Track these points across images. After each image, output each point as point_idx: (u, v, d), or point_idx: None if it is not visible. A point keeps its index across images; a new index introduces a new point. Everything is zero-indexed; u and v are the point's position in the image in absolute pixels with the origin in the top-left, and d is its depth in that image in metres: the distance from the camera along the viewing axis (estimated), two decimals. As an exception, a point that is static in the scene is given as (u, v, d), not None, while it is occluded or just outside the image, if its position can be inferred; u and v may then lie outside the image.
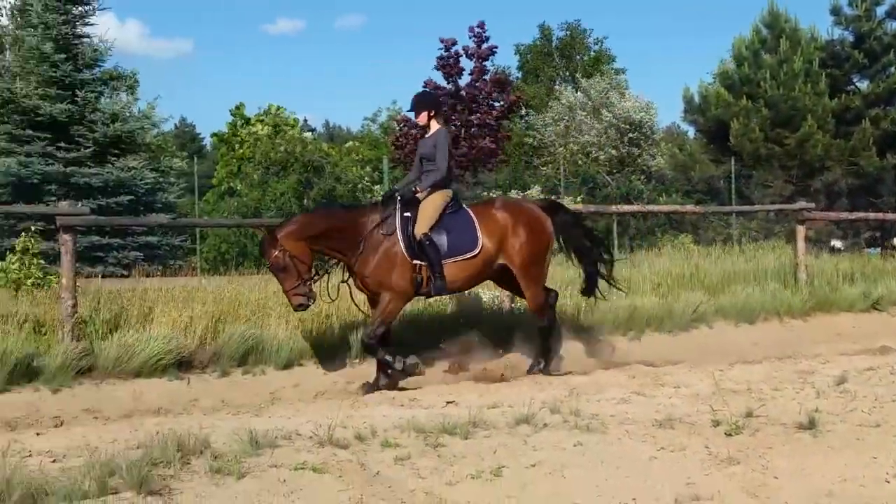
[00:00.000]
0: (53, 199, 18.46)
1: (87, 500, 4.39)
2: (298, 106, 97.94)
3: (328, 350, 8.96)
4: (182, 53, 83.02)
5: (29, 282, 11.52)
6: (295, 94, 78.89)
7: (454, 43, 31.79)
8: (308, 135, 32.51)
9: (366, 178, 25.40)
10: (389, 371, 8.02)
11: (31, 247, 11.84)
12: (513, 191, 22.79)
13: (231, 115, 41.49)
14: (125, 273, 17.46)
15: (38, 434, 6.41)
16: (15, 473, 4.53)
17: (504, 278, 8.67)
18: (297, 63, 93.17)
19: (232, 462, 4.93)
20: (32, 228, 12.34)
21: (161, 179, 21.82)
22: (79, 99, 19.27)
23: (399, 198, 8.11)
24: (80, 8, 19.70)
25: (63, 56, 19.20)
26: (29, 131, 19.27)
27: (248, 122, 39.57)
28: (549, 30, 47.55)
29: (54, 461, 5.36)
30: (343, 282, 8.16)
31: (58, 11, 19.31)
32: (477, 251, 8.13)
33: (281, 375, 8.59)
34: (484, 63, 32.00)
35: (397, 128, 33.38)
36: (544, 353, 8.66)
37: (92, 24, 20.12)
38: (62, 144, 19.25)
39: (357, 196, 24.32)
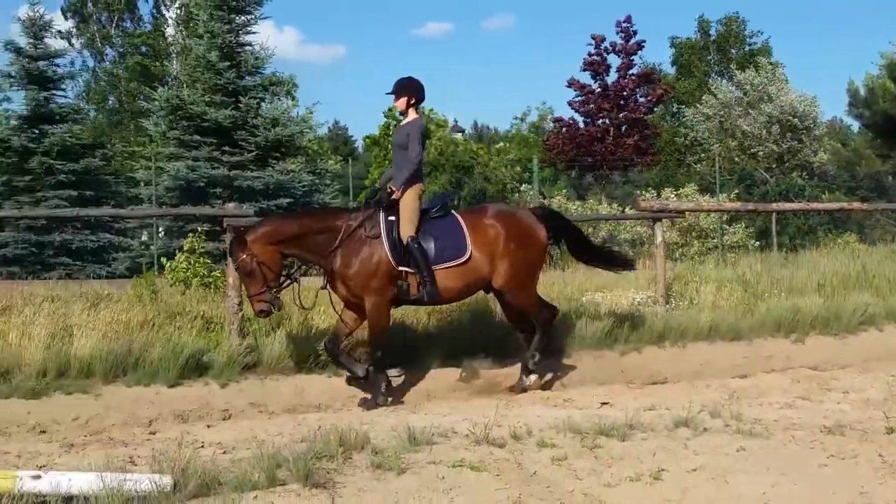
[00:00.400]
0: (219, 201, 19.26)
1: (257, 490, 4.58)
2: (447, 107, 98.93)
3: (476, 351, 8.98)
4: (335, 58, 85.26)
5: (196, 280, 12.08)
6: (444, 95, 79.76)
7: (603, 39, 31.49)
8: (458, 136, 32.80)
9: (515, 179, 25.40)
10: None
11: (197, 247, 12.41)
12: (665, 189, 22.26)
13: (384, 117, 42.35)
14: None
15: (208, 426, 6.74)
16: (190, 463, 4.77)
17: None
18: (446, 65, 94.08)
19: (392, 458, 5.04)
20: (199, 229, 12.89)
21: (317, 181, 22.43)
22: (242, 105, 20.04)
23: (381, 201, 7.72)
24: (242, 17, 20.46)
25: (227, 64, 20.00)
26: (196, 137, 20.18)
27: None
28: (708, 23, 46.34)
29: (225, 452, 5.63)
30: (322, 288, 7.85)
31: (222, 21, 20.13)
32: (465, 258, 7.72)
33: (435, 373, 8.67)
34: (631, 58, 31.59)
35: (549, 128, 33.33)
36: (539, 348, 8.17)
37: (254, 33, 20.86)
38: (226, 149, 20.07)
39: (506, 196, 24.33)
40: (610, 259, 9.18)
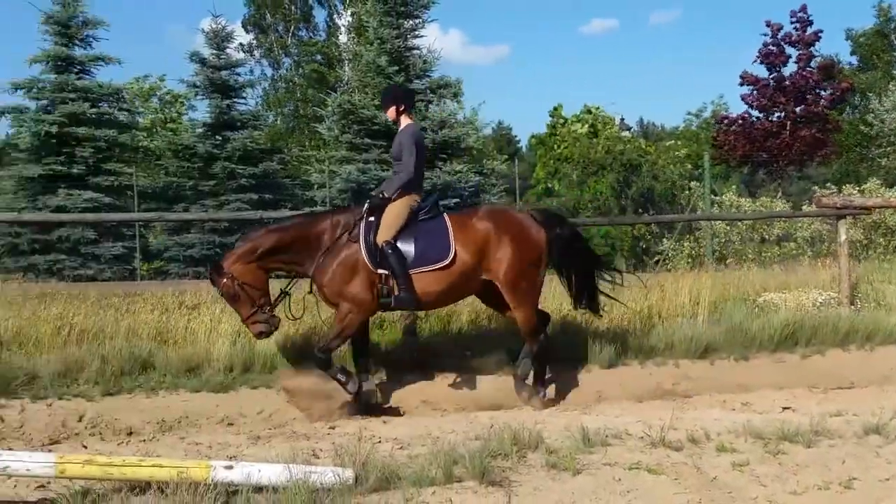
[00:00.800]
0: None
1: (435, 486, 4.67)
2: (616, 105, 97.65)
3: (647, 351, 8.85)
4: (499, 59, 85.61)
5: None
6: (609, 92, 78.46)
7: (780, 28, 30.23)
8: (626, 133, 32.33)
9: (684, 176, 24.78)
10: (351, 392, 7.29)
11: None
12: (846, 185, 21.16)
13: (549, 116, 42.28)
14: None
15: (384, 422, 6.91)
16: (369, 458, 4.91)
17: (489, 295, 7.79)
18: (611, 62, 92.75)
19: (566, 458, 5.02)
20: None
21: (484, 182, 22.62)
22: (410, 108, 20.53)
23: (367, 202, 7.47)
24: (410, 22, 20.89)
25: (396, 68, 20.47)
26: (367, 140, 20.76)
27: (565, 122, 40.11)
28: (888, 10, 43.79)
29: (401, 448, 5.76)
30: (309, 293, 7.59)
31: (391, 27, 20.63)
32: (448, 261, 7.32)
33: (606, 374, 8.59)
34: (810, 49, 30.16)
35: (717, 126, 32.30)
36: (540, 377, 7.80)
37: (421, 37, 21.25)
38: (395, 151, 20.62)
39: (674, 195, 23.76)
40: (594, 300, 8.11)
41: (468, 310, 9.21)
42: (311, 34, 42.14)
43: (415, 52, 21.12)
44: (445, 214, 7.57)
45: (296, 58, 41.43)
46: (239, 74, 23.70)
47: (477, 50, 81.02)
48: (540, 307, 7.99)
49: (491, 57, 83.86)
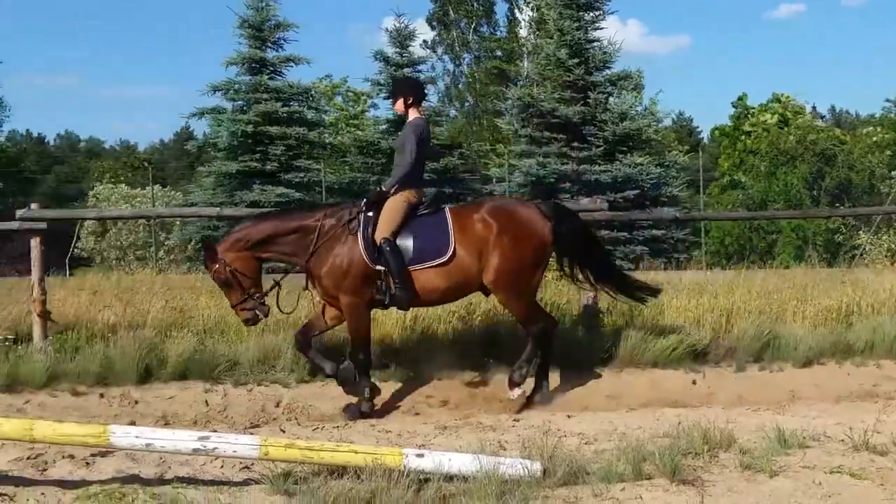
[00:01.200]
0: (567, 195, 19.66)
1: (624, 482, 4.62)
2: (808, 94, 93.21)
3: (844, 350, 8.43)
4: (678, 49, 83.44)
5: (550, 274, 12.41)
6: (797, 80, 75.06)
7: None
8: (819, 122, 30.82)
9: (883, 165, 23.37)
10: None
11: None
12: None
13: (733, 106, 40.89)
14: (632, 266, 18.03)
15: (568, 416, 6.89)
16: (556, 451, 4.91)
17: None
18: (799, 48, 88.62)
19: (762, 459, 4.87)
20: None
21: (664, 174, 22.18)
22: (590, 100, 20.34)
23: (366, 197, 7.32)
24: (591, 14, 20.79)
25: (576, 61, 20.40)
26: (546, 133, 20.79)
27: (749, 112, 38.70)
28: None
29: (586, 443, 5.73)
30: (304, 289, 7.47)
31: (572, 19, 20.58)
32: (446, 257, 7.10)
33: (800, 373, 8.24)
34: None
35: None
36: (543, 376, 7.48)
37: (601, 28, 21.10)
38: (575, 144, 20.47)
39: (873, 185, 22.47)
40: (627, 285, 7.81)
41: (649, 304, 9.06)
42: (491, 30, 42.47)
43: (595, 44, 20.96)
44: (447, 209, 7.41)
45: (476, 53, 41.86)
46: (420, 72, 24.22)
47: (656, 41, 79.41)
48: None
49: (670, 47, 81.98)
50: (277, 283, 7.33)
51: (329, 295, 7.25)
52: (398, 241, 7.08)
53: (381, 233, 7.07)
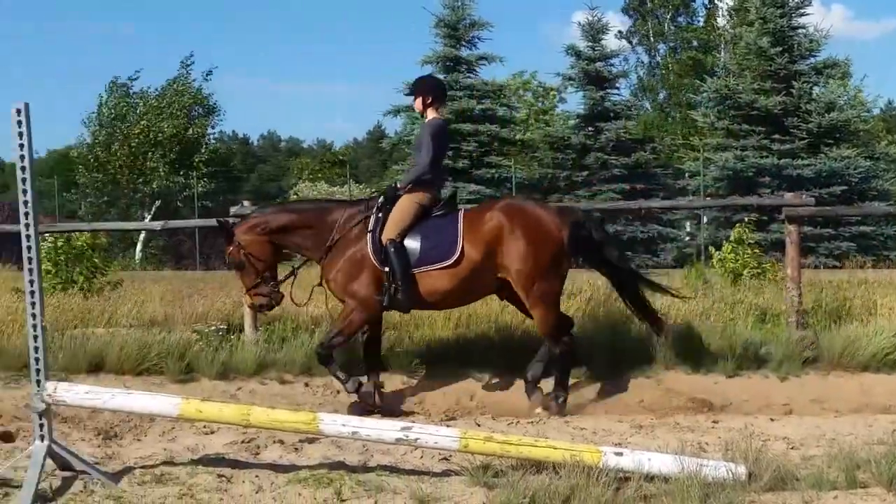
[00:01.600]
0: (766, 190, 18.93)
1: (835, 490, 4.42)
2: None
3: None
4: (885, 33, 78.30)
5: (745, 271, 12.01)
6: None
7: None
8: None
9: None
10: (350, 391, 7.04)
11: (745, 237, 12.36)
12: None
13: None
14: (837, 264, 17.15)
15: (771, 420, 6.64)
16: (761, 455, 4.74)
17: (509, 293, 7.19)
18: None
19: None
20: (747, 219, 12.83)
21: (874, 167, 20.97)
22: (794, 90, 19.49)
23: (381, 196, 7.14)
24: (795, 0, 19.93)
25: (779, 49, 19.60)
26: (744, 126, 20.08)
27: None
28: None
29: (792, 448, 5.51)
30: (318, 284, 7.25)
31: (775, 5, 19.78)
32: (453, 260, 6.86)
33: None
34: None
35: None
36: (561, 385, 7.08)
37: (807, 14, 20.15)
38: (776, 137, 19.67)
39: None
40: (640, 308, 7.36)
41: (859, 303, 8.61)
42: (689, 19, 41.46)
43: (800, 31, 20.08)
44: (462, 210, 7.21)
45: (671, 44, 40.96)
46: (612, 65, 23.93)
47: (861, 25, 74.96)
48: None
49: (876, 32, 77.13)
50: (294, 272, 7.40)
51: (336, 296, 7.24)
52: (406, 243, 6.99)
53: (388, 234, 6.99)
